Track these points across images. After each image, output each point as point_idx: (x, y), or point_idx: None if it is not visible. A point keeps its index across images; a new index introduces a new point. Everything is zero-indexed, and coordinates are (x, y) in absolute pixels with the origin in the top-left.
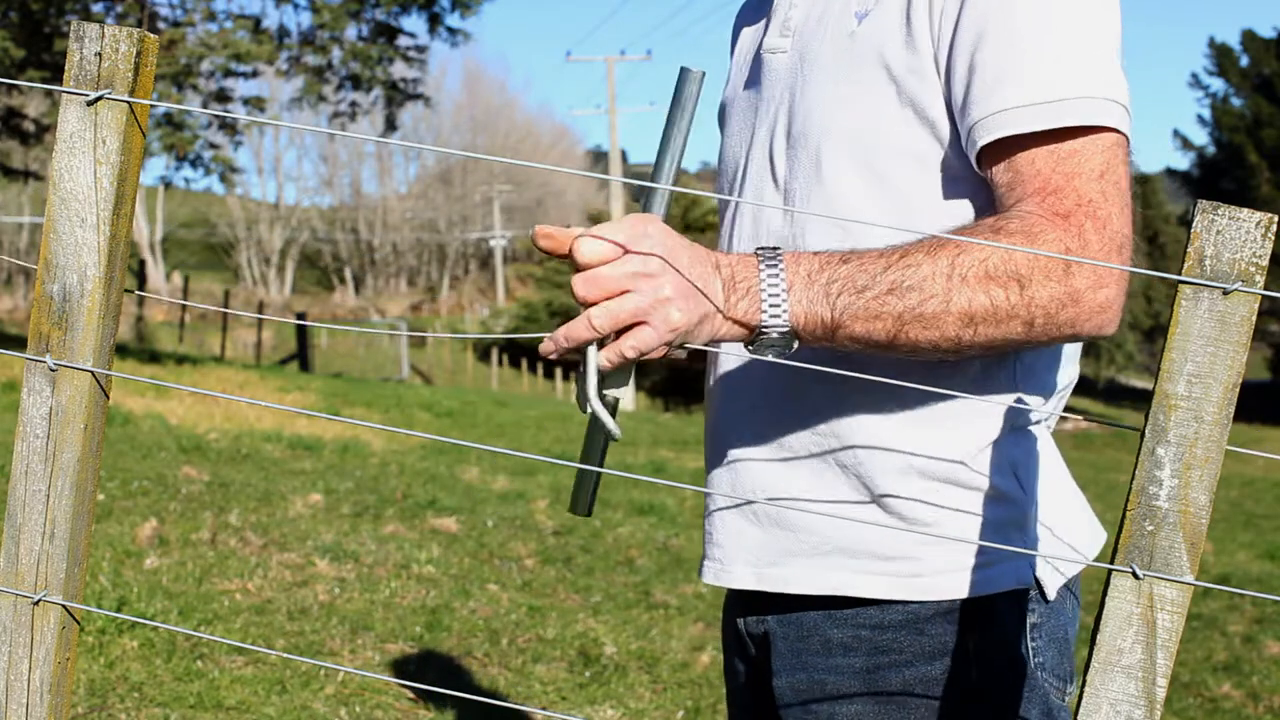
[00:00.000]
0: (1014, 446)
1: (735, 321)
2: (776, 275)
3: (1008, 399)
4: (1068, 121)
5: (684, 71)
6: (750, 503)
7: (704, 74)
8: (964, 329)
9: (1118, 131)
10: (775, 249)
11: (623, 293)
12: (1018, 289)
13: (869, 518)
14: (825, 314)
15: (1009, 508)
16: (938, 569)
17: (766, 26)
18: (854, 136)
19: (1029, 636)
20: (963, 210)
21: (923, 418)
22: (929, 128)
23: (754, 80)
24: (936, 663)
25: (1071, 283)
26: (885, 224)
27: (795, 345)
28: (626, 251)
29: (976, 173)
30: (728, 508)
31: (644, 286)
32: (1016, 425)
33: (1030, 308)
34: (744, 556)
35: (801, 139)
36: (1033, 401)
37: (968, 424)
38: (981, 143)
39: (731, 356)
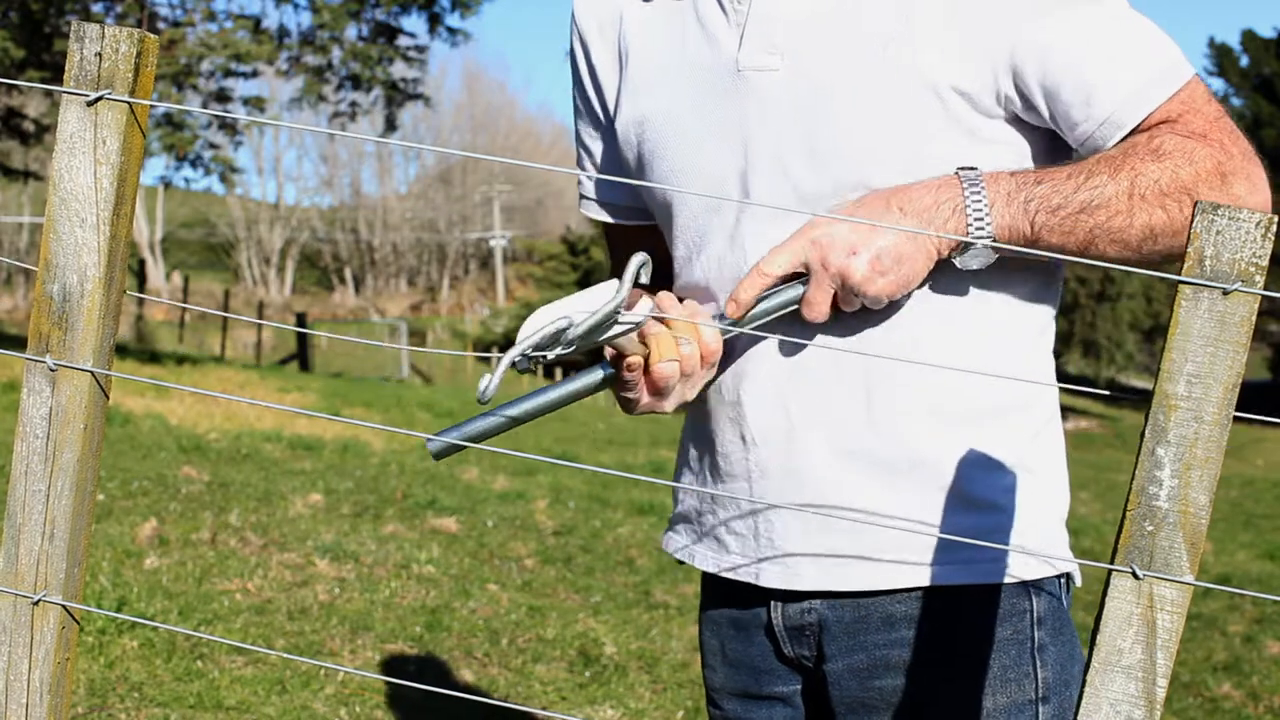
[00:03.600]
0: (1058, 434)
1: (945, 240)
2: (979, 195)
3: (1050, 392)
4: (1178, 84)
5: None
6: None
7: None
8: (1145, 241)
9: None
10: (973, 168)
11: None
12: (1190, 202)
13: (947, 510)
14: (1025, 228)
15: (1060, 494)
16: (1004, 555)
17: (728, 43)
18: (903, 156)
19: (1068, 606)
20: None
21: (989, 411)
22: (971, 138)
23: (721, 96)
24: (1005, 625)
25: (1232, 190)
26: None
27: (995, 256)
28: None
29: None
30: (788, 512)
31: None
32: (1052, 417)
33: None
34: (813, 560)
35: (835, 160)
36: (1047, 389)
37: (1022, 413)
38: (1121, 134)
39: (780, 367)
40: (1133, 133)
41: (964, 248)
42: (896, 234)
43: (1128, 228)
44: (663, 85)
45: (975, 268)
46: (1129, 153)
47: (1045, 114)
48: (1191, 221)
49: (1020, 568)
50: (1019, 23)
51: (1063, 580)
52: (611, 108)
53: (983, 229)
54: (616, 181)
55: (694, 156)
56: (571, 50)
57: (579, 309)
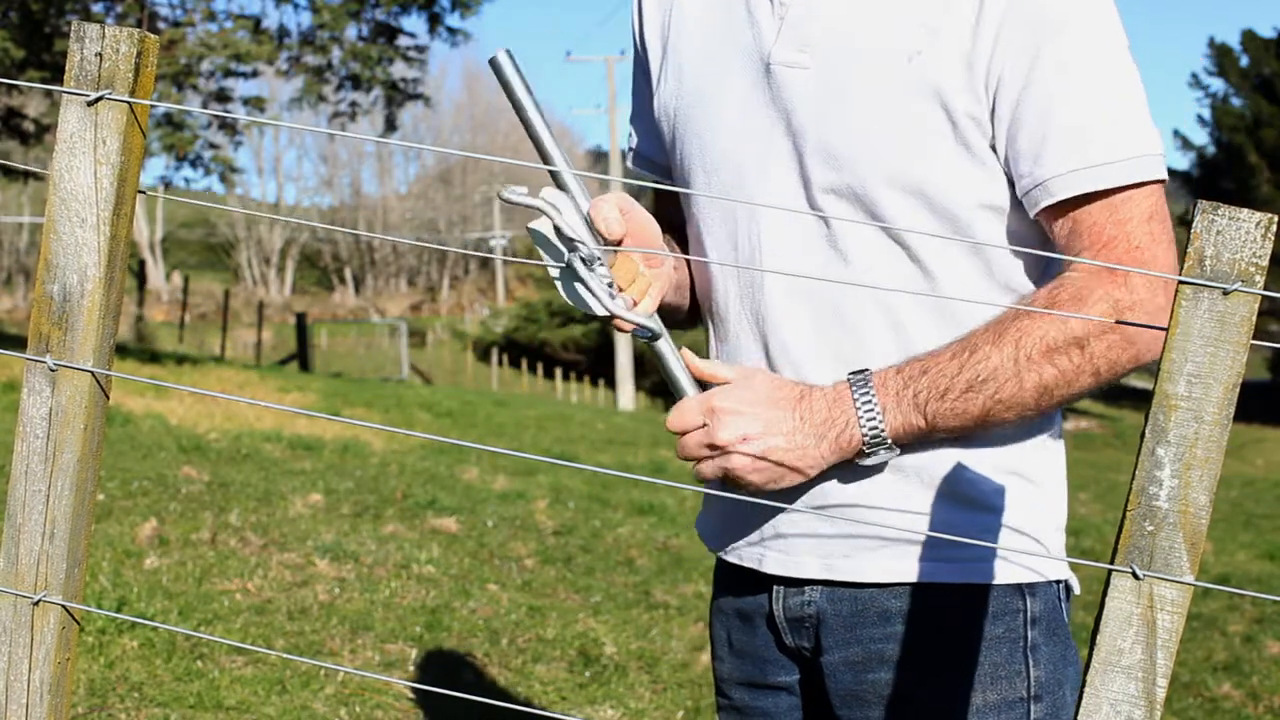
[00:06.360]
0: (1059, 448)
1: (840, 450)
2: (870, 402)
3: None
4: (1125, 181)
5: (495, 62)
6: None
7: (509, 50)
8: (1041, 398)
9: (1160, 180)
10: (862, 373)
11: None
12: (1079, 351)
13: (941, 509)
14: (919, 423)
15: (1059, 505)
16: (1001, 555)
17: (768, 33)
18: (908, 169)
19: (1065, 612)
20: (1027, 244)
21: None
22: (975, 162)
23: (752, 84)
24: (998, 623)
25: (1125, 329)
26: (931, 233)
27: (898, 450)
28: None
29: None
30: (789, 501)
31: (733, 459)
32: (1055, 424)
33: (1094, 362)
34: (814, 548)
35: (846, 163)
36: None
37: (1027, 422)
38: (1049, 201)
39: (804, 355)
40: (1063, 204)
41: (861, 455)
42: (791, 438)
43: (1019, 392)
44: (701, 66)
45: (876, 464)
46: (1018, 315)
47: (1002, 155)
48: (1192, 221)
49: (1015, 570)
50: (1016, 60)
51: (1060, 587)
52: (655, 85)
53: (879, 435)
54: (659, 143)
55: (717, 137)
56: (631, 29)
57: (551, 202)
